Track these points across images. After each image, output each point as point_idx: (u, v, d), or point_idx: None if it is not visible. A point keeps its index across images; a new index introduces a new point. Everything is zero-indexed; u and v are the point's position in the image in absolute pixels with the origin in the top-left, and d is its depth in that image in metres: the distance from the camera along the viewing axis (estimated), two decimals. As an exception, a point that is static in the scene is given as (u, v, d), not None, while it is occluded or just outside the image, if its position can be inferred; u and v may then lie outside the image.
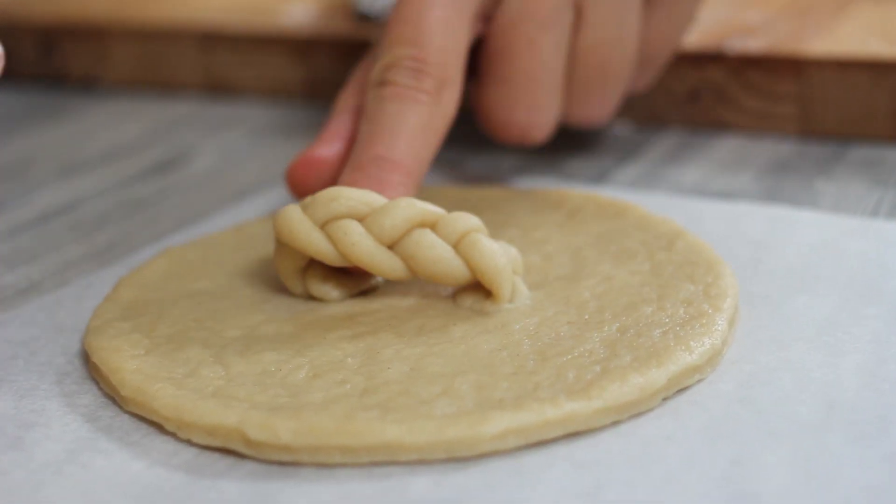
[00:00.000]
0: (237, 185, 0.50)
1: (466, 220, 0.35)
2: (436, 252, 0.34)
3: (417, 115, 0.39)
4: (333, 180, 0.40)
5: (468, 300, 0.35)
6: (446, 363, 0.32)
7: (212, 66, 0.62)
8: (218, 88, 0.62)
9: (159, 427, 0.31)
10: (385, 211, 0.34)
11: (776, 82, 0.49)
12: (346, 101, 0.43)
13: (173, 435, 0.31)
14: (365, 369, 0.32)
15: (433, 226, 0.35)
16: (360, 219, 0.35)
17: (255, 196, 0.47)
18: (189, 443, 0.31)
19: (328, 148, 0.41)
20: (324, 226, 0.35)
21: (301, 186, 0.41)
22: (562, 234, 0.40)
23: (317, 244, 0.35)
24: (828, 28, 0.52)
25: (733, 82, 0.50)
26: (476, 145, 0.51)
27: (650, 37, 0.45)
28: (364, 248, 0.34)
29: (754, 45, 0.50)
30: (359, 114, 0.42)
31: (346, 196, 0.35)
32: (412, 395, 0.31)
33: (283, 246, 0.36)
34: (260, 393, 0.31)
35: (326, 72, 0.60)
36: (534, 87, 0.43)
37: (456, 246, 0.35)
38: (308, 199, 0.35)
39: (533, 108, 0.43)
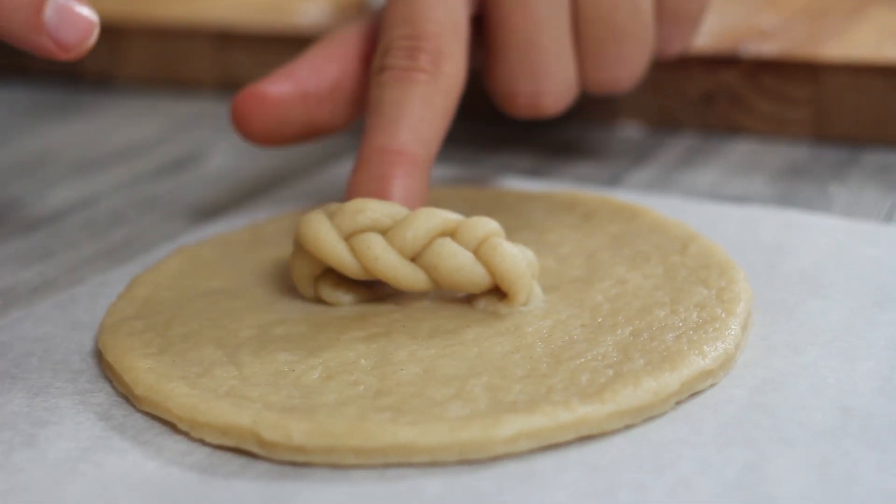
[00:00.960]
0: (251, 183, 0.50)
1: (486, 225, 0.35)
2: (457, 261, 0.34)
3: (418, 96, 0.38)
4: (276, 119, 0.41)
5: (482, 302, 0.35)
6: (459, 365, 0.32)
7: (226, 65, 0.62)
8: (232, 87, 0.62)
9: (172, 426, 0.31)
10: (407, 223, 0.35)
11: (790, 86, 0.49)
12: (314, 49, 0.43)
13: (186, 434, 0.31)
14: (378, 370, 0.32)
15: (453, 232, 0.35)
16: (384, 231, 0.35)
17: (269, 194, 0.47)
18: (202, 442, 0.31)
19: (277, 86, 0.41)
20: (348, 238, 0.35)
21: (244, 119, 0.41)
22: (576, 237, 0.40)
23: (340, 256, 0.35)
24: (842, 32, 0.52)
25: (747, 86, 0.50)
26: (491, 144, 0.51)
27: None
28: (387, 262, 0.34)
29: (769, 48, 0.50)
30: (322, 63, 0.42)
31: (370, 208, 0.35)
32: (425, 396, 0.31)
33: (301, 251, 0.36)
34: (273, 393, 0.31)
35: (340, 71, 0.60)
36: (534, 53, 0.41)
37: (476, 251, 0.35)
38: (334, 207, 0.35)
39: (537, 75, 0.42)
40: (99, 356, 0.35)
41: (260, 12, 0.64)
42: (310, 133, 0.42)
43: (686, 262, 0.37)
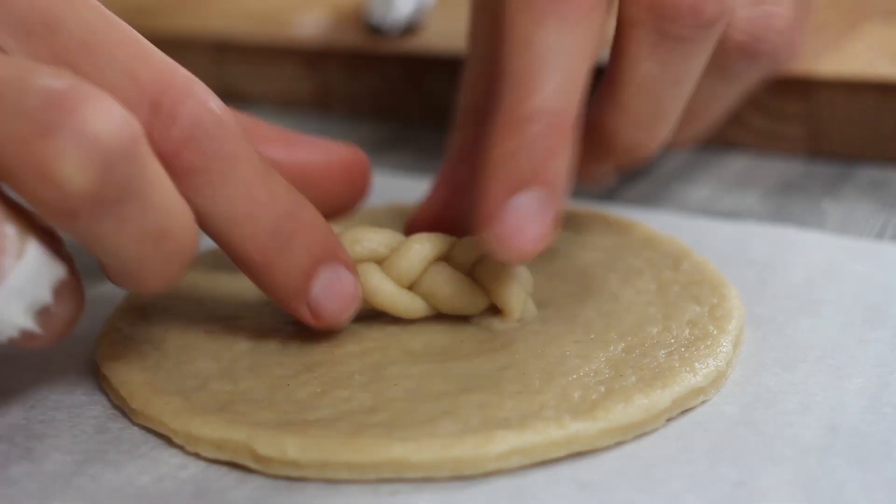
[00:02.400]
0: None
1: (478, 246, 0.35)
2: (454, 287, 0.35)
3: (581, 39, 0.33)
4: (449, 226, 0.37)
5: (476, 317, 0.36)
6: (453, 381, 0.32)
7: (224, 76, 0.63)
8: (230, 98, 0.62)
9: (168, 440, 0.32)
10: (401, 254, 0.35)
11: (784, 102, 0.50)
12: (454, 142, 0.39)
13: (181, 448, 0.31)
14: (372, 386, 0.32)
15: (447, 256, 0.35)
16: (380, 261, 0.35)
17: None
18: (197, 456, 0.31)
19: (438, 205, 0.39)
20: None
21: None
22: (569, 252, 0.40)
23: None
24: (837, 48, 0.52)
25: (741, 101, 0.50)
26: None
27: (701, 88, 0.38)
28: (385, 293, 0.35)
29: (763, 64, 0.51)
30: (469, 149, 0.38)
31: (367, 239, 0.35)
32: (418, 412, 0.31)
33: None
34: (268, 408, 0.31)
35: (337, 83, 0.60)
36: (669, 106, 0.37)
37: (471, 273, 0.35)
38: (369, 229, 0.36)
39: (660, 127, 0.38)
40: (95, 369, 0.35)
41: (257, 24, 0.64)
42: None
43: (679, 278, 0.37)
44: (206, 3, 0.70)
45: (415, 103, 0.58)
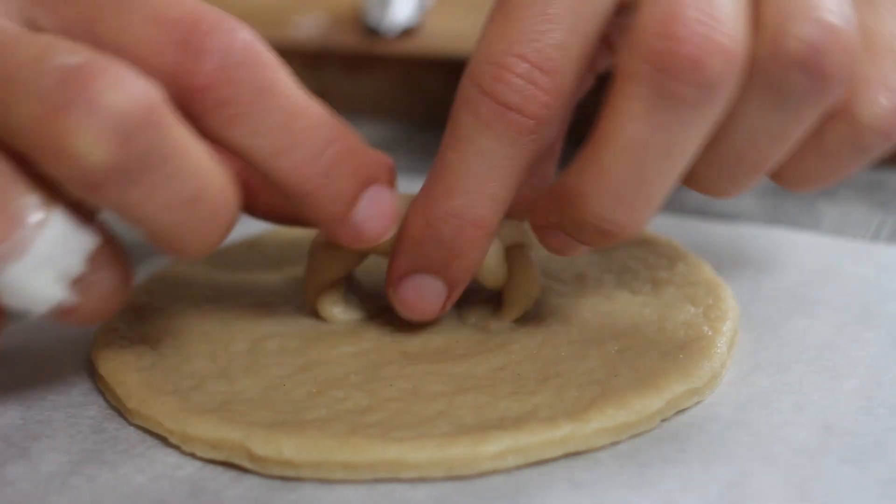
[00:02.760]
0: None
1: (524, 233, 0.35)
2: (496, 256, 0.35)
3: (518, 157, 0.32)
4: None
5: (473, 317, 0.36)
6: (448, 381, 0.32)
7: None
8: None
9: (164, 440, 0.32)
10: None
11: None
12: None
13: (178, 448, 0.31)
14: (368, 386, 0.32)
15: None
16: None
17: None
18: (193, 456, 0.31)
19: None
20: None
21: None
22: (565, 253, 0.40)
23: None
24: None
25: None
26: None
27: (750, 123, 0.31)
28: None
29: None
30: None
31: (401, 199, 0.34)
32: (413, 413, 0.31)
33: (319, 260, 0.36)
34: (264, 408, 0.32)
35: (335, 84, 0.60)
36: (654, 181, 0.31)
37: (508, 251, 0.35)
38: None
39: (645, 207, 0.31)
40: (92, 369, 0.35)
41: (255, 25, 0.64)
42: None
43: (673, 279, 0.37)
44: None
45: (413, 105, 0.58)
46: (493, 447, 0.29)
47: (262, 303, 0.38)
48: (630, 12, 0.31)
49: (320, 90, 0.60)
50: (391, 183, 0.33)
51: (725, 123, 0.31)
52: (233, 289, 0.39)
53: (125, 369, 0.34)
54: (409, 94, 0.58)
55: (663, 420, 0.31)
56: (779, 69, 0.30)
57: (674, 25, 0.29)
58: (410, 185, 0.47)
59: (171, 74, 0.29)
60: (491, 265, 0.34)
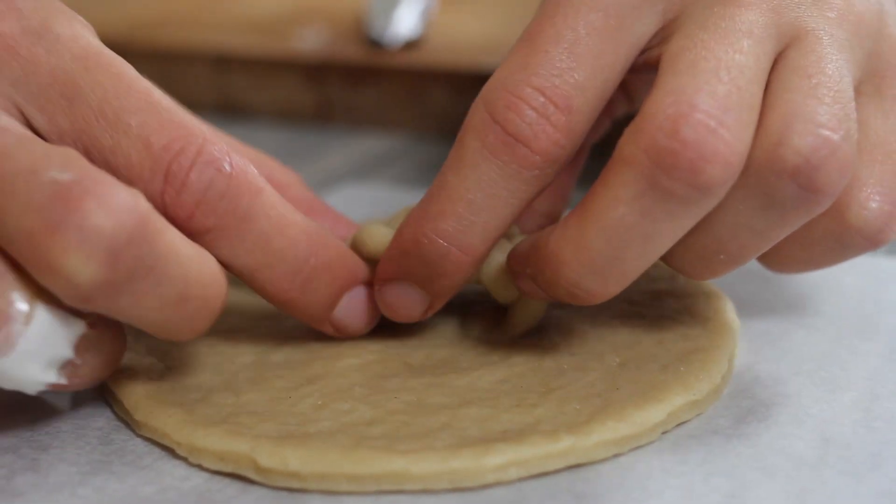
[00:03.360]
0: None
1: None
2: (504, 260, 0.35)
3: (520, 192, 0.32)
4: None
5: (476, 329, 0.36)
6: (451, 394, 0.33)
7: (225, 89, 0.63)
8: (231, 110, 0.63)
9: (171, 451, 0.32)
10: None
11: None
12: None
13: (185, 459, 0.32)
14: (372, 398, 0.33)
15: (510, 236, 0.35)
16: None
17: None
18: (200, 467, 0.31)
19: None
20: None
21: None
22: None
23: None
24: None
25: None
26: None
27: (738, 218, 0.32)
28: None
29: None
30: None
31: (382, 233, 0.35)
32: (417, 425, 0.31)
33: None
34: (270, 420, 0.32)
35: (337, 96, 0.61)
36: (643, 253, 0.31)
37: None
38: (385, 219, 0.37)
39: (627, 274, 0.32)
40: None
41: (258, 37, 0.64)
42: None
43: (674, 291, 0.38)
44: (208, 16, 0.70)
45: (415, 117, 0.59)
46: (496, 459, 0.30)
47: (267, 315, 0.38)
48: (650, 71, 0.32)
49: (323, 102, 0.61)
50: (368, 281, 0.35)
51: (711, 214, 0.31)
52: (238, 301, 0.39)
53: (132, 381, 0.34)
54: (412, 107, 0.59)
55: (664, 432, 0.32)
56: (772, 177, 0.30)
57: (681, 126, 0.29)
58: (412, 198, 0.47)
59: (158, 200, 0.31)
60: (506, 282, 0.35)
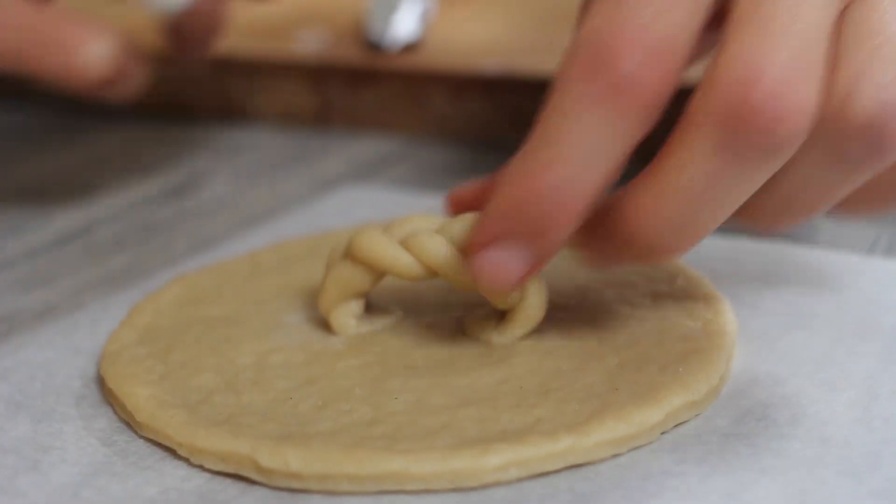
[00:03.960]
0: (250, 210, 0.51)
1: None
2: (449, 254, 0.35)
3: (627, 135, 0.31)
4: None
5: (476, 330, 0.36)
6: (451, 395, 0.33)
7: (224, 91, 0.63)
8: (231, 114, 0.63)
9: (173, 452, 0.32)
10: (457, 220, 0.35)
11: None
12: None
13: (186, 460, 0.32)
14: (372, 399, 0.33)
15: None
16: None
17: (268, 222, 0.48)
18: (201, 468, 0.32)
19: None
20: (401, 242, 0.35)
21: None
22: (565, 267, 0.40)
23: (397, 256, 0.35)
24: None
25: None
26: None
27: (808, 174, 0.33)
28: (440, 254, 0.35)
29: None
30: None
31: (420, 219, 0.36)
32: (418, 425, 0.32)
33: (341, 272, 0.36)
34: (271, 421, 0.32)
35: (338, 99, 0.61)
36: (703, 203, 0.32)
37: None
38: (384, 225, 0.36)
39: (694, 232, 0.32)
40: (101, 382, 0.36)
41: (258, 39, 0.65)
42: None
43: (673, 293, 0.38)
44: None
45: (416, 119, 0.59)
46: (496, 460, 0.30)
47: (266, 316, 0.38)
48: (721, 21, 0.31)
49: (323, 105, 0.61)
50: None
51: (781, 170, 0.31)
52: (236, 302, 0.39)
53: (134, 383, 0.34)
54: (412, 109, 0.59)
55: (663, 432, 0.32)
56: (840, 135, 0.31)
57: (752, 91, 0.29)
58: (412, 200, 0.47)
59: None
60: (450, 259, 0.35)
